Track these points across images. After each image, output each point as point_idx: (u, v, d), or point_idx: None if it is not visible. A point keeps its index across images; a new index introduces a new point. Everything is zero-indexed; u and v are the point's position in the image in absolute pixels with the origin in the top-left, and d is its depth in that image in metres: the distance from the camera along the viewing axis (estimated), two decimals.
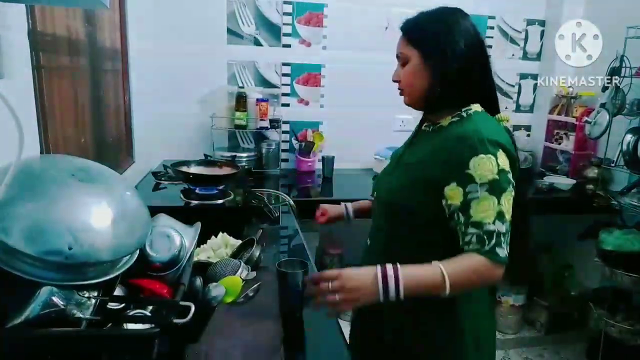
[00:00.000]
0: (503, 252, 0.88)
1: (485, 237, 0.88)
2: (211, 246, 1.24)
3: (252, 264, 1.15)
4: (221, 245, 1.26)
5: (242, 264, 1.07)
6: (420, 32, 1.00)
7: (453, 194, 0.92)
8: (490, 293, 1.08)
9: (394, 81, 1.05)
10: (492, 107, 1.03)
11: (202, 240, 1.00)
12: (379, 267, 0.86)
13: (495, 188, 0.89)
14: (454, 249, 0.92)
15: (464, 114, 0.99)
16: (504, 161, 0.91)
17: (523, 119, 2.83)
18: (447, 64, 0.96)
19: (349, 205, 1.34)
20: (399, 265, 0.87)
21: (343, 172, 2.51)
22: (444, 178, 0.93)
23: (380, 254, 1.07)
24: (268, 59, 2.47)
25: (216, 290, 0.87)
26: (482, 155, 0.90)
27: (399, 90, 1.05)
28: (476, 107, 1.00)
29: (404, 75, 1.02)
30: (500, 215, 0.89)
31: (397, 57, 1.04)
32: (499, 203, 0.89)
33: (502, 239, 0.89)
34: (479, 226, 0.89)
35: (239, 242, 1.27)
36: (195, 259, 1.11)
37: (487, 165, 0.89)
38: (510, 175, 0.92)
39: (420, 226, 1.00)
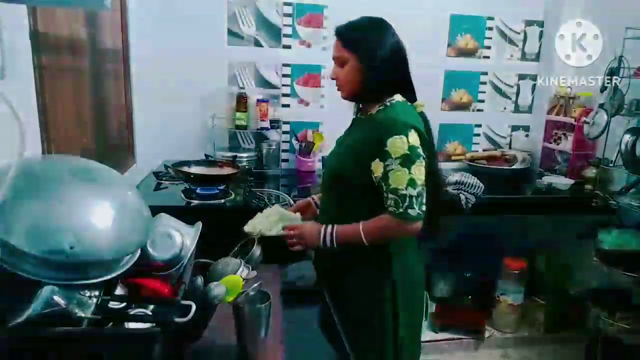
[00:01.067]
0: (414, 211, 1.14)
1: (400, 200, 1.14)
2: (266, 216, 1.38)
3: (253, 263, 1.15)
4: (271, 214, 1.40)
5: (243, 263, 1.08)
6: (356, 39, 1.22)
7: (376, 167, 1.17)
8: (418, 247, 1.32)
9: (332, 79, 1.27)
10: (411, 97, 1.27)
11: (201, 240, 1.01)
12: (323, 227, 1.23)
13: (406, 161, 1.14)
14: (380, 208, 1.19)
15: (388, 104, 1.24)
16: (414, 139, 1.15)
17: (522, 120, 2.84)
18: (378, 65, 1.19)
19: (316, 197, 1.50)
20: (335, 226, 1.22)
21: None
22: (370, 155, 1.18)
23: (326, 214, 1.36)
24: (268, 59, 2.47)
25: (217, 289, 0.88)
26: (395, 136, 1.14)
27: (338, 86, 1.27)
28: (398, 98, 1.24)
29: (343, 75, 1.24)
30: (411, 182, 1.14)
31: (334, 59, 1.25)
32: (409, 172, 1.14)
33: (414, 200, 1.14)
34: (395, 192, 1.15)
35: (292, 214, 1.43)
36: (248, 229, 1.31)
37: (399, 143, 1.14)
38: (420, 150, 1.16)
39: (354, 191, 1.25)
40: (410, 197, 1.13)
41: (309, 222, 1.31)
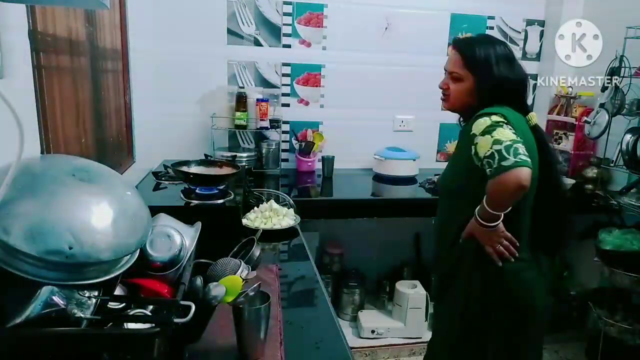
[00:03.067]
0: (508, 161, 1.10)
1: (490, 161, 1.14)
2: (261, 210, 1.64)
3: (252, 263, 1.15)
4: (267, 209, 1.64)
5: (242, 263, 1.07)
6: (479, 61, 1.26)
7: (473, 152, 1.20)
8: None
9: (441, 88, 1.33)
10: (521, 108, 1.29)
11: (201, 240, 1.00)
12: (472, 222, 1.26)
13: (487, 131, 1.16)
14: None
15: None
16: (497, 119, 1.18)
17: None
18: (492, 89, 1.25)
19: None
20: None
21: (343, 172, 2.52)
22: (467, 150, 1.21)
23: (437, 225, 1.42)
24: (268, 59, 2.47)
25: (216, 289, 0.87)
26: (479, 119, 1.20)
27: (444, 96, 1.33)
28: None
29: (456, 91, 1.30)
30: (495, 141, 1.14)
31: (450, 72, 1.30)
32: (492, 136, 1.15)
33: (503, 152, 1.11)
34: (483, 159, 1.16)
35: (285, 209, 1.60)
36: (246, 222, 1.56)
37: (482, 122, 1.19)
38: (502, 124, 1.17)
39: (454, 198, 1.33)
40: (499, 151, 1.12)
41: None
